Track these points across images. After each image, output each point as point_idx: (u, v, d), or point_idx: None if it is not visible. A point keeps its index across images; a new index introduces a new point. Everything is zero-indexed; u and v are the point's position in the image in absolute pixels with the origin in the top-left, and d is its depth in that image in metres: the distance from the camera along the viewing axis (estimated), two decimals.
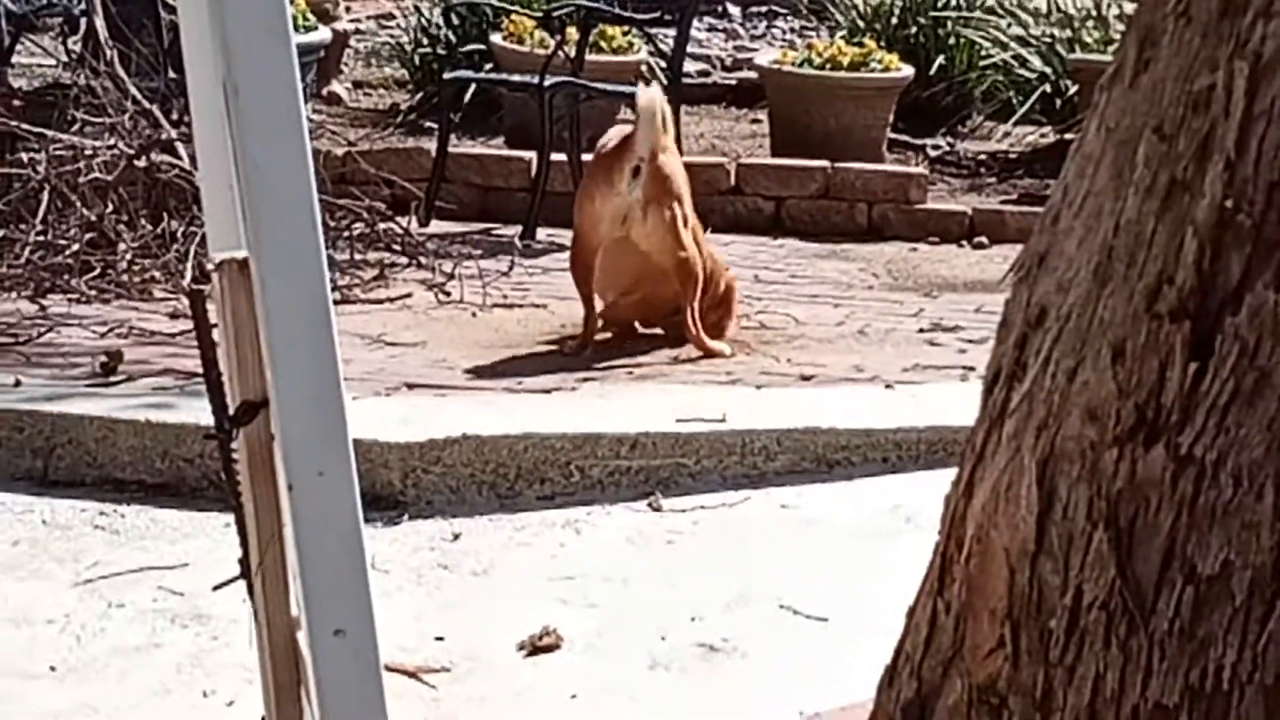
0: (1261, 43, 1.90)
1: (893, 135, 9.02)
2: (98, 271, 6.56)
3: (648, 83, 6.85)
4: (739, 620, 4.00)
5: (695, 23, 9.42)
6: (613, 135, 6.11)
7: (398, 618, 3.91)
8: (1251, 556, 1.93)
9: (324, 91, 9.61)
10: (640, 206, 5.77)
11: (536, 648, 3.86)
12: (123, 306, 6.32)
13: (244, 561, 2.16)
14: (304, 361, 1.65)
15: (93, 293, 6.43)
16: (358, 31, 10.94)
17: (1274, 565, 1.93)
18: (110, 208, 6.77)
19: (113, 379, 5.28)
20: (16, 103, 7.79)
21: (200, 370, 5.29)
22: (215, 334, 2.16)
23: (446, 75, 8.29)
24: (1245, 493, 1.93)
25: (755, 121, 9.67)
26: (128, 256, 6.62)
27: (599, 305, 5.93)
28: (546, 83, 7.66)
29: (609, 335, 5.99)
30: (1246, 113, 1.91)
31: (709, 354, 5.79)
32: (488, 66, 9.01)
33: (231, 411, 2.02)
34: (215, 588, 2.42)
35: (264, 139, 1.62)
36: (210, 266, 2.05)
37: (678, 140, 7.90)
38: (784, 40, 11.11)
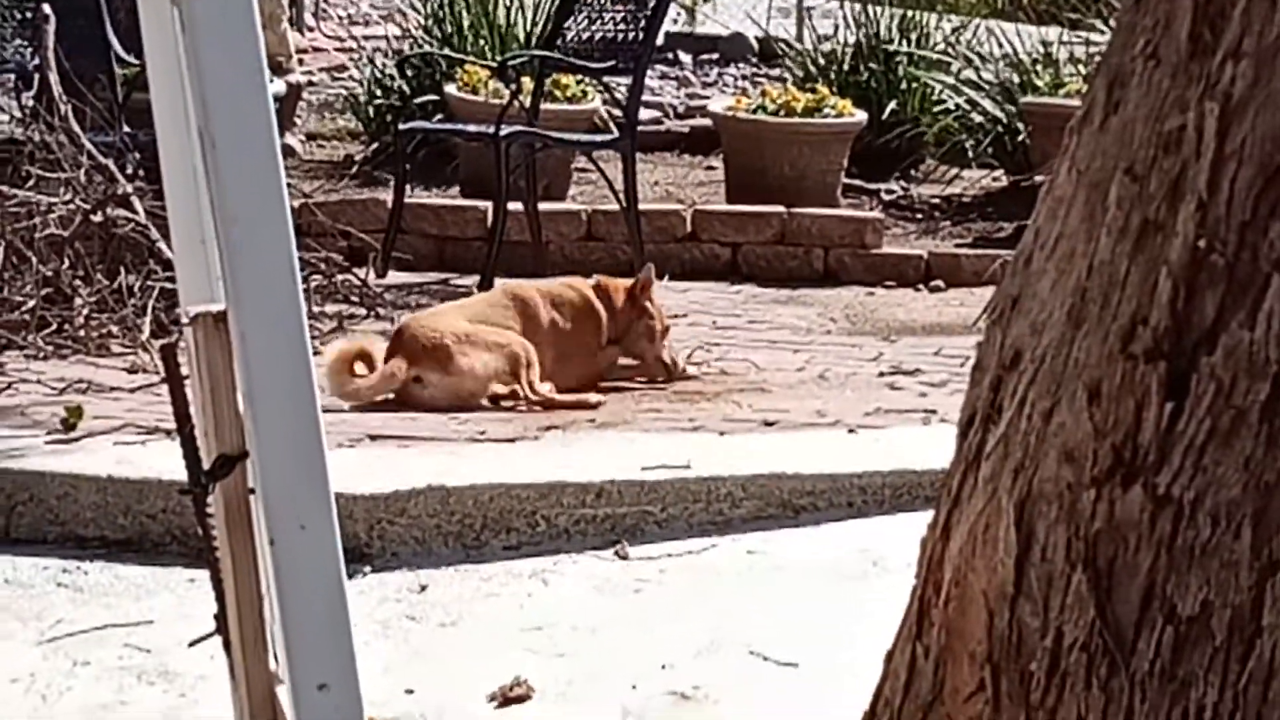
0: (1231, 83, 1.92)
1: (847, 180, 9.05)
2: (55, 327, 6.53)
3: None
4: (710, 668, 3.98)
5: (648, 71, 9.45)
6: None
7: (366, 671, 3.84)
8: (1231, 596, 1.93)
9: None
10: None
11: (507, 698, 3.84)
12: (81, 362, 6.29)
13: (220, 617, 2.15)
14: (285, 414, 1.64)
15: (50, 348, 6.40)
16: (310, 83, 10.93)
17: (1253, 604, 1.93)
18: (66, 263, 6.74)
19: (73, 435, 5.25)
20: None
21: (163, 425, 5.25)
22: (186, 387, 2.14)
23: (401, 126, 8.30)
24: (1223, 532, 1.93)
25: (709, 168, 9.70)
26: (85, 312, 6.59)
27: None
28: (502, 132, 7.67)
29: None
30: (1218, 152, 1.92)
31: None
32: (441, 117, 9.01)
33: (207, 466, 2.01)
34: (191, 644, 2.40)
35: (242, 190, 1.62)
36: (185, 320, 2.04)
37: (633, 189, 7.93)
38: (736, 87, 11.15)
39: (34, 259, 6.68)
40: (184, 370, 2.14)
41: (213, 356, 1.95)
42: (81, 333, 6.51)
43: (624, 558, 4.69)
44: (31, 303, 6.54)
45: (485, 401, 5.84)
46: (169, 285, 6.38)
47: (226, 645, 2.13)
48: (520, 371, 5.87)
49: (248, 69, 1.61)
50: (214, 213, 1.65)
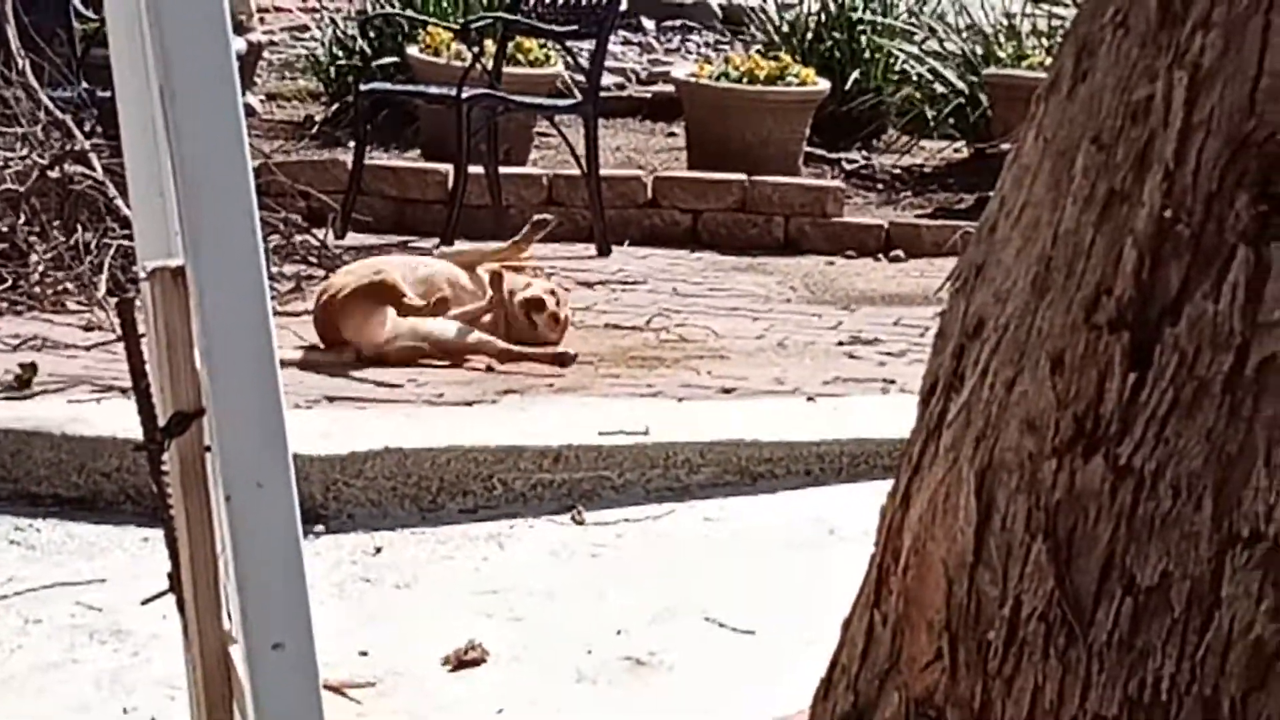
0: (1200, 53, 1.91)
1: (809, 149, 9.04)
2: (9, 284, 6.48)
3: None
4: (665, 633, 3.98)
5: (611, 36, 9.41)
6: None
7: (320, 632, 3.84)
8: (1190, 567, 1.93)
9: None
10: None
11: (462, 662, 3.83)
12: (35, 318, 6.24)
13: (174, 575, 2.13)
14: (243, 371, 1.62)
15: (4, 305, 6.35)
16: (271, 43, 10.87)
17: (1213, 576, 1.93)
18: (22, 219, 6.69)
19: (27, 392, 5.21)
20: None
21: (118, 383, 5.22)
22: (142, 343, 2.12)
23: (362, 87, 8.25)
24: (1184, 503, 1.93)
25: (671, 135, 9.67)
26: (40, 268, 6.55)
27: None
28: (464, 95, 7.64)
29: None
30: (1185, 122, 1.92)
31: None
32: (404, 79, 8.97)
33: (162, 422, 1.98)
34: (144, 602, 2.38)
35: (202, 144, 1.60)
36: (140, 275, 2.02)
37: (595, 154, 7.91)
38: (699, 54, 11.12)
39: None
40: (140, 327, 2.12)
41: (170, 312, 1.93)
42: (37, 289, 6.46)
43: (580, 523, 4.69)
44: None
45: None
46: (126, 243, 6.34)
47: (180, 604, 2.11)
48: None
49: (209, 20, 1.59)
50: (173, 166, 1.63)
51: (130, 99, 2.12)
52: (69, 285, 6.52)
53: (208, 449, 1.92)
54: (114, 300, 6.02)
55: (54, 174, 6.80)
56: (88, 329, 6.08)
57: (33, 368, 5.34)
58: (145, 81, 1.94)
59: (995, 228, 2.14)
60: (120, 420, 4.73)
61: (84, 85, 7.56)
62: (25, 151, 6.89)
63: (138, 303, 2.15)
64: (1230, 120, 1.90)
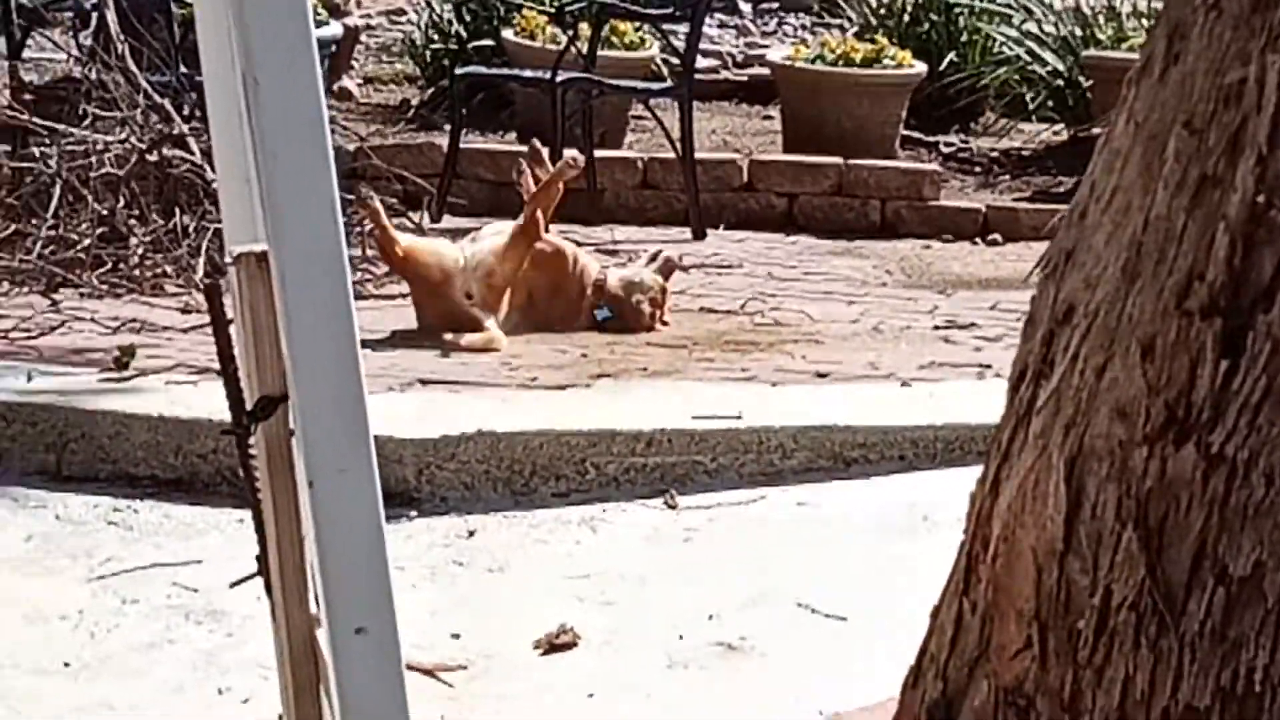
0: None
1: (905, 132, 8.99)
2: (109, 266, 6.54)
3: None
4: (757, 619, 3.97)
5: (707, 19, 9.39)
6: None
7: (413, 615, 3.89)
8: None
9: (335, 87, 9.59)
10: None
11: (553, 645, 3.83)
12: (135, 301, 6.30)
13: (262, 558, 2.14)
14: (325, 357, 1.63)
15: (105, 288, 6.41)
16: (369, 27, 10.92)
17: None
18: (122, 202, 6.75)
19: (126, 374, 5.26)
20: (28, 97, 7.77)
21: (215, 365, 5.26)
22: (231, 328, 2.13)
23: (458, 71, 8.27)
24: (1277, 492, 1.91)
25: (767, 118, 9.64)
26: (139, 251, 6.60)
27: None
28: (559, 78, 7.64)
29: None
30: (1279, 106, 1.89)
31: None
32: (499, 62, 8.98)
33: (249, 406, 1.99)
34: (232, 585, 2.40)
35: (284, 131, 1.60)
36: (227, 260, 2.03)
37: (690, 138, 7.89)
38: (795, 37, 11.08)
39: (90, 198, 6.69)
40: (229, 311, 2.13)
41: (255, 297, 1.93)
42: (136, 272, 6.52)
43: (673, 507, 4.68)
44: (87, 241, 6.55)
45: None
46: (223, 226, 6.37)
47: (268, 587, 2.12)
48: None
49: (290, 7, 1.59)
50: (255, 153, 1.63)
51: (217, 85, 2.13)
52: (167, 268, 6.57)
53: (293, 433, 1.93)
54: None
55: (153, 158, 6.85)
56: (185, 311, 6.12)
57: (131, 350, 5.39)
58: (230, 68, 1.95)
59: (1085, 213, 2.12)
60: (217, 402, 4.71)
61: (182, 69, 7.61)
62: (125, 135, 6.95)
63: (225, 286, 2.17)
64: None
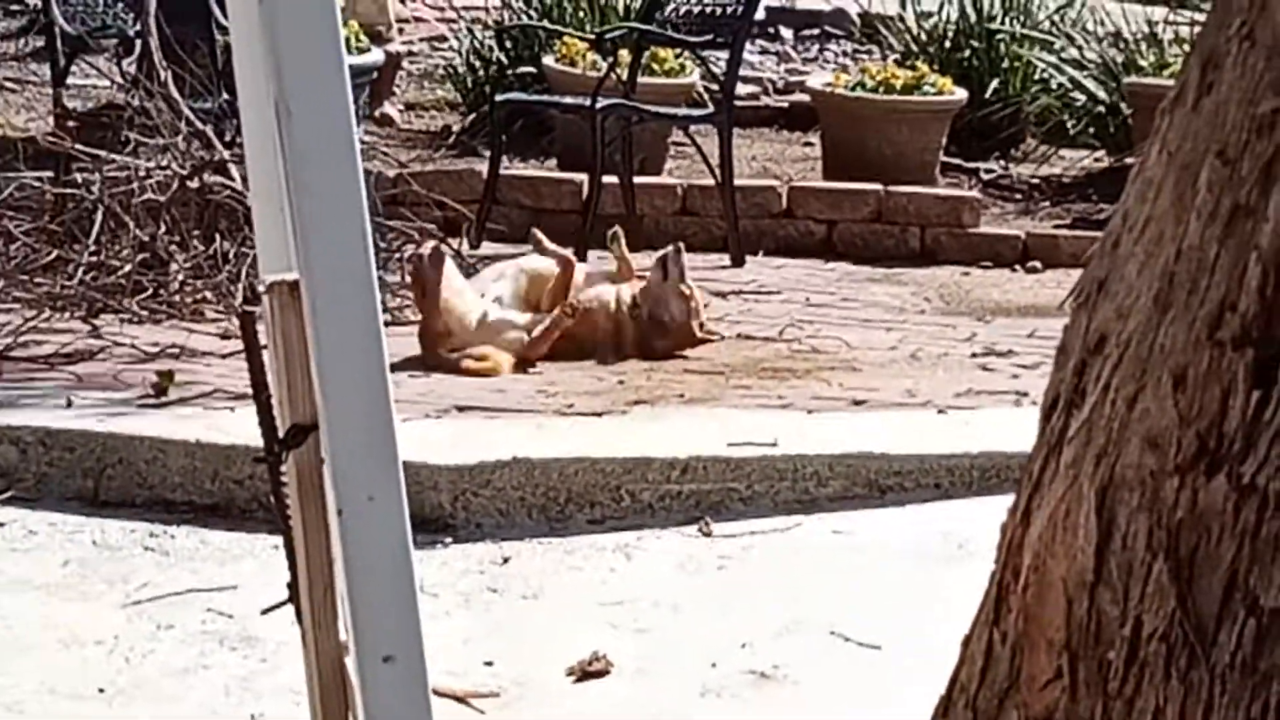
0: None
1: (946, 159, 8.98)
2: (150, 292, 6.57)
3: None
4: (790, 647, 3.97)
5: (747, 45, 9.40)
6: None
7: (446, 642, 3.89)
8: None
9: (376, 113, 9.63)
10: None
11: (586, 673, 3.83)
12: (174, 327, 6.33)
13: (293, 585, 2.15)
14: (354, 386, 1.63)
15: (145, 313, 6.44)
16: (410, 53, 10.96)
17: None
18: (163, 228, 6.78)
19: (164, 399, 5.28)
20: (71, 124, 7.82)
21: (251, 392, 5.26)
22: (266, 356, 2.14)
23: (498, 97, 8.29)
24: None
25: (807, 145, 9.64)
26: (180, 277, 6.63)
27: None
28: (598, 105, 7.66)
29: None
30: None
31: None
32: (539, 89, 9.01)
33: (281, 434, 2.00)
34: (264, 611, 2.40)
35: (315, 161, 1.61)
36: (261, 288, 2.04)
37: (729, 164, 7.90)
38: (836, 64, 11.09)
39: (131, 224, 6.72)
40: (263, 338, 2.14)
41: (287, 325, 1.94)
42: (176, 298, 6.55)
43: (708, 534, 4.68)
44: (128, 267, 6.58)
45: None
46: None
47: (298, 614, 2.13)
48: None
49: (323, 38, 1.60)
50: (287, 182, 1.64)
51: (253, 113, 2.14)
52: (208, 294, 6.60)
53: (324, 461, 1.93)
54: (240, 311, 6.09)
55: (194, 184, 6.89)
56: (224, 337, 6.15)
57: (169, 376, 5.42)
58: (265, 96, 1.96)
59: (1118, 242, 2.12)
60: (254, 429, 4.70)
61: (224, 96, 7.65)
62: (166, 162, 6.99)
63: (260, 314, 2.18)
64: None
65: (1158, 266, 2.02)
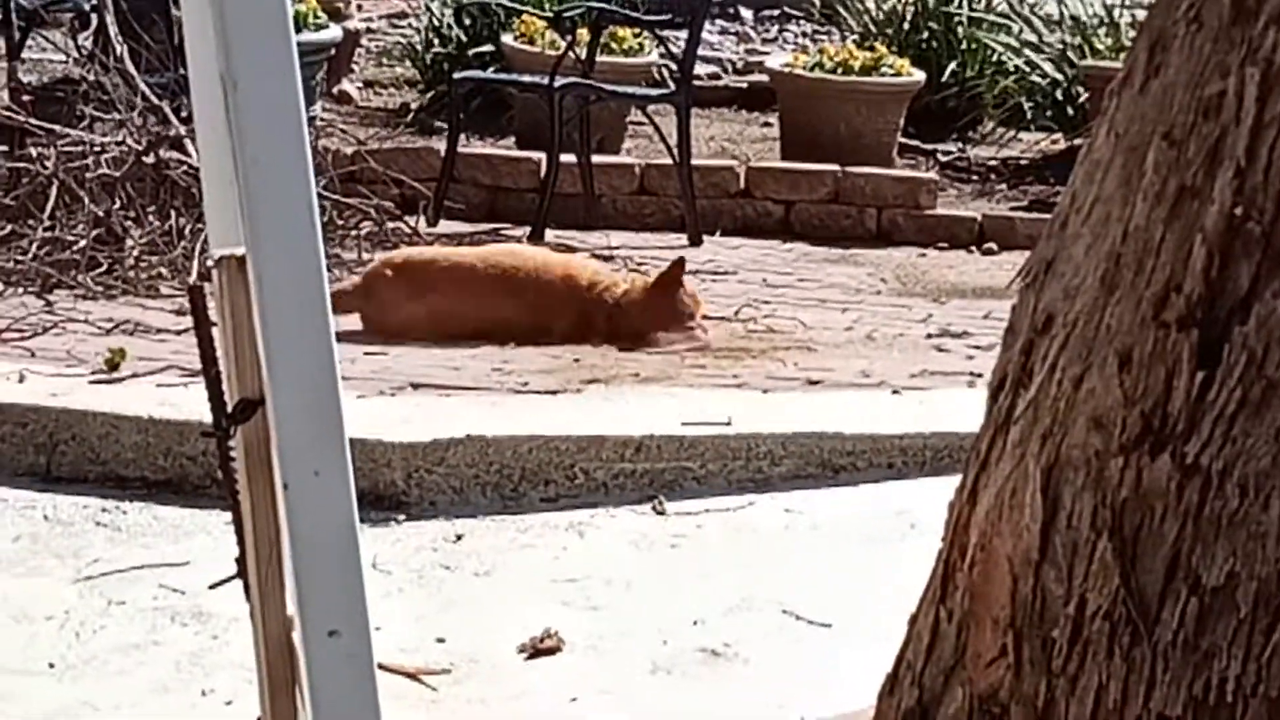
0: (1273, 49, 1.89)
1: (903, 140, 9.00)
2: (104, 268, 6.54)
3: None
4: (741, 625, 3.98)
5: (707, 25, 9.40)
6: None
7: (399, 618, 3.90)
8: (1257, 567, 1.91)
9: (334, 90, 9.60)
10: None
11: (538, 650, 3.84)
12: (129, 303, 6.30)
13: (241, 560, 2.15)
14: (300, 360, 1.63)
15: (99, 289, 6.42)
16: (369, 30, 10.92)
17: None
18: (118, 204, 6.76)
19: (117, 375, 5.26)
20: (26, 98, 7.78)
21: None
22: (215, 331, 2.14)
23: (457, 75, 8.28)
24: (1251, 503, 1.91)
25: (766, 125, 9.65)
26: (135, 253, 6.61)
27: None
28: (557, 83, 7.65)
29: None
30: (1257, 119, 1.89)
31: None
32: (498, 67, 8.99)
33: (229, 409, 2.00)
34: (212, 586, 2.41)
35: (262, 134, 1.61)
36: (209, 263, 2.04)
37: (687, 144, 7.90)
38: (796, 44, 11.09)
39: (86, 199, 6.70)
40: (213, 314, 2.14)
41: (236, 300, 1.94)
42: (131, 274, 6.53)
43: (661, 513, 4.69)
44: (82, 242, 6.56)
45: None
46: None
47: (246, 588, 2.13)
48: None
49: (271, 10, 1.60)
50: (234, 156, 1.64)
51: (203, 88, 2.13)
52: (163, 270, 6.58)
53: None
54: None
55: (150, 160, 6.87)
56: (179, 313, 6.12)
57: (122, 352, 5.40)
58: (215, 70, 1.96)
59: (1066, 223, 2.13)
60: (207, 405, 4.76)
61: (180, 71, 7.62)
62: (122, 137, 6.96)
63: (209, 289, 2.17)
64: None
65: (1105, 247, 2.03)
